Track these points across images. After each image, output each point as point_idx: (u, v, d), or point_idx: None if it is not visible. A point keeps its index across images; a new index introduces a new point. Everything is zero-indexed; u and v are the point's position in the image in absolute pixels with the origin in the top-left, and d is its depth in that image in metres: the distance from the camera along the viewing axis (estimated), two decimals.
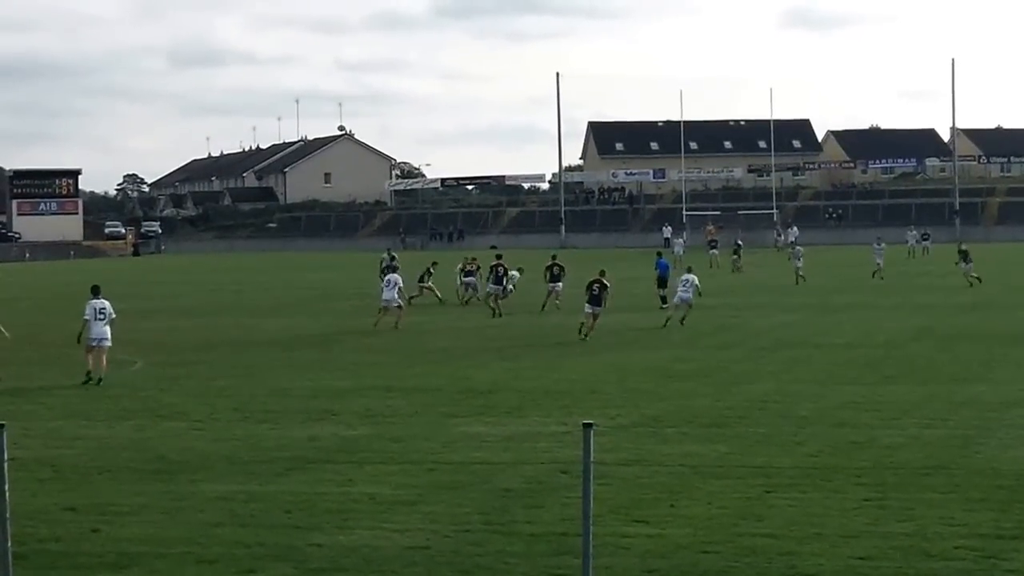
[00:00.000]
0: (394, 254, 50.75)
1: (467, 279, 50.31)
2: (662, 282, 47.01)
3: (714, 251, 77.19)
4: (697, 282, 39.97)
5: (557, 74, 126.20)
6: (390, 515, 15.25)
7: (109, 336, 27.78)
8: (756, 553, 13.39)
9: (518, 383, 27.14)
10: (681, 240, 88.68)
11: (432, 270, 50.82)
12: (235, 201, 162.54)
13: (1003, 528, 14.27)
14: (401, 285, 40.74)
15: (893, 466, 17.61)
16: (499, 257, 47.42)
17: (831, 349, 32.73)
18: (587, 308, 36.01)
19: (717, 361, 30.70)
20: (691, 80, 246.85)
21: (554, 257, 48.06)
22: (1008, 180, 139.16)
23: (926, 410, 22.56)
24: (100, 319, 27.69)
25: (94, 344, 27.62)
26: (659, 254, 50.99)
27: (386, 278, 41.56)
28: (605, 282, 36.52)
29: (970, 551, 13.38)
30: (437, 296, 49.55)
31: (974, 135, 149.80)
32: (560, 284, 46.28)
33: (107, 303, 28.10)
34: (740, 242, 77.09)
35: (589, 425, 11.39)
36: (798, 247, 61.93)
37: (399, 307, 40.04)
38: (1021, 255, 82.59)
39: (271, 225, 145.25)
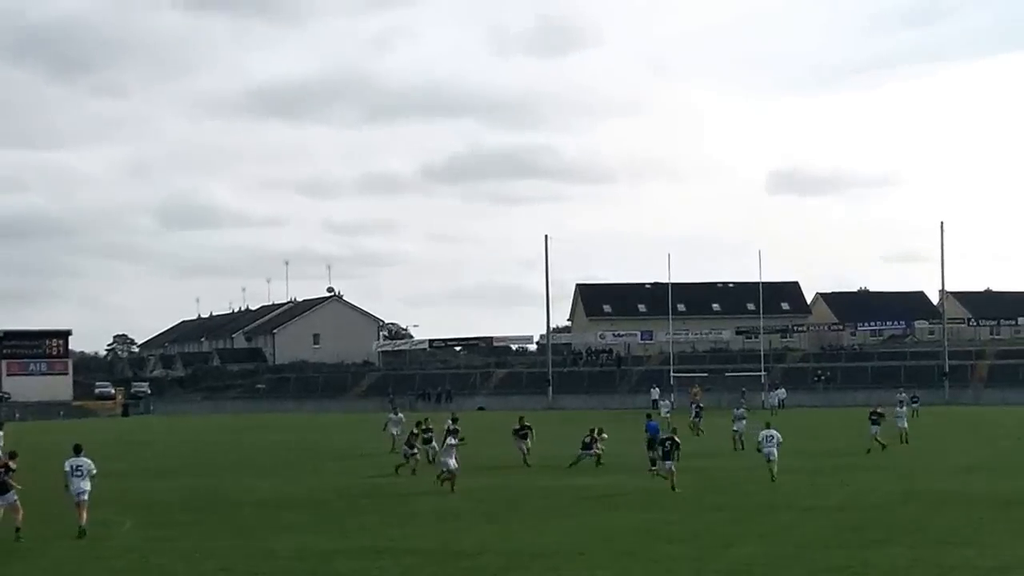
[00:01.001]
0: (403, 416, 51.64)
1: (519, 441, 49.74)
2: (652, 444, 47.21)
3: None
4: (779, 437, 41.77)
5: (546, 236, 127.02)
6: None
7: (87, 490, 29.41)
8: None
9: (505, 544, 27.14)
10: (668, 402, 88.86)
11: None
12: (224, 362, 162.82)
13: None
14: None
15: None
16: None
17: (819, 512, 32.74)
18: (663, 465, 39.01)
19: (705, 523, 30.71)
20: (679, 242, 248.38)
21: (596, 430, 48.85)
22: (997, 343, 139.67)
23: (915, 574, 22.57)
24: (77, 475, 29.45)
25: (77, 500, 29.28)
26: (649, 416, 51.58)
27: (446, 443, 40.95)
28: (677, 440, 39.69)
29: None
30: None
31: (963, 298, 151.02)
32: (594, 449, 47.88)
33: (85, 461, 29.72)
34: (702, 404, 77.28)
35: None
36: (741, 409, 60.50)
37: (453, 472, 39.63)
38: (1010, 418, 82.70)
39: (260, 386, 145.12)
